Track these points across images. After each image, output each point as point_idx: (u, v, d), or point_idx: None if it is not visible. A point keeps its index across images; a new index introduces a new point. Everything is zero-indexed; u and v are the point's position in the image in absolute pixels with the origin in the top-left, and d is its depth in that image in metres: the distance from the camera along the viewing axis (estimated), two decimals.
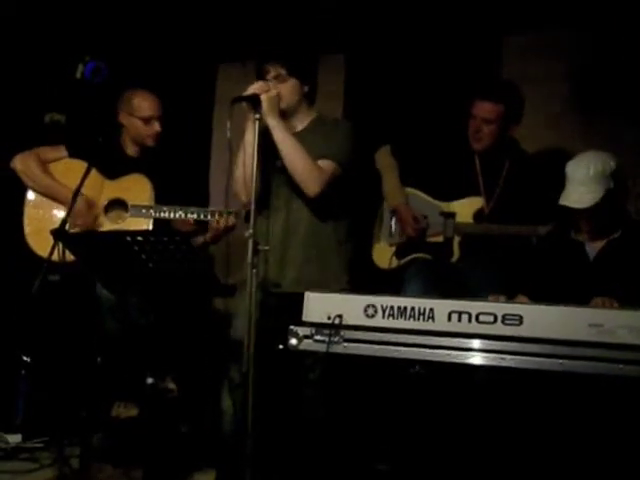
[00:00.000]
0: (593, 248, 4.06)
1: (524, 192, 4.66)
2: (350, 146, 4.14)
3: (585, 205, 3.91)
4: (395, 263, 4.96)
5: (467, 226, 4.76)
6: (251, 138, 3.87)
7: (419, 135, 5.25)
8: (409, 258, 4.92)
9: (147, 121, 4.87)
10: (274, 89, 3.93)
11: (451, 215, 4.80)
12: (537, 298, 3.89)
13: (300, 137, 4.06)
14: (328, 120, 4.27)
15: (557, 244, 4.19)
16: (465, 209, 4.78)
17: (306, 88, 4.17)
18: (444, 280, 4.68)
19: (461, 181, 4.82)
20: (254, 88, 3.86)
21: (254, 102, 3.82)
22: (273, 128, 3.91)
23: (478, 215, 4.75)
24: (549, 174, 4.55)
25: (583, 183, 3.92)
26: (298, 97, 4.13)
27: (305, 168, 3.96)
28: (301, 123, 4.19)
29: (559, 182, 4.14)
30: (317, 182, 3.98)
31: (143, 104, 4.89)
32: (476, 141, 4.80)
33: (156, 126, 4.88)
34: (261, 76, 4.06)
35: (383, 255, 5.03)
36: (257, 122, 3.81)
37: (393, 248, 5.00)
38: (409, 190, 4.98)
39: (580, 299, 3.53)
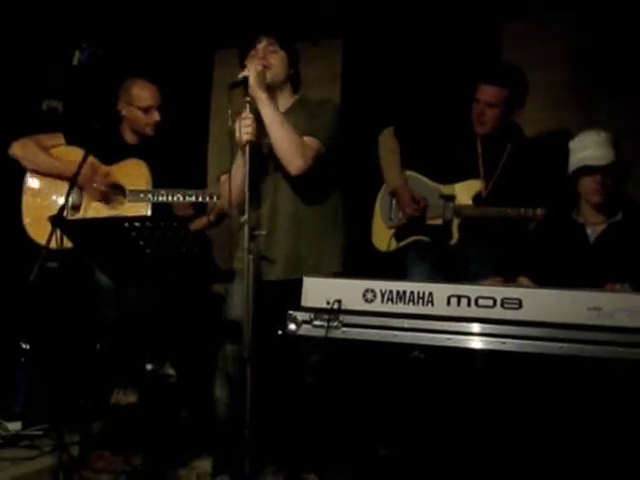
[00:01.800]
0: (594, 231, 4.08)
1: (523, 177, 4.67)
2: (335, 126, 4.08)
3: (605, 162, 3.96)
4: (394, 245, 4.98)
5: (466, 208, 4.76)
6: (242, 163, 3.88)
7: (420, 118, 5.24)
8: (408, 241, 4.93)
9: (146, 111, 4.86)
10: (262, 64, 3.92)
11: (450, 198, 4.81)
12: (537, 280, 3.90)
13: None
14: (312, 100, 4.20)
15: (558, 225, 4.20)
16: (464, 192, 4.79)
17: (292, 70, 4.14)
18: (444, 263, 4.70)
19: (462, 164, 4.83)
20: (244, 72, 3.85)
21: (245, 85, 3.82)
22: (260, 101, 3.85)
23: (477, 198, 4.76)
24: (550, 161, 4.55)
25: (595, 145, 3.99)
26: (285, 73, 4.09)
27: (290, 143, 3.89)
28: (284, 105, 4.12)
29: (559, 168, 4.15)
30: (301, 158, 3.91)
31: (142, 94, 4.88)
32: (479, 125, 4.81)
33: (155, 115, 4.87)
34: (251, 44, 4.04)
35: (382, 238, 5.04)
36: (248, 105, 3.83)
37: (392, 231, 5.01)
38: (409, 173, 5.00)
39: (580, 281, 3.54)
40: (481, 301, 3.23)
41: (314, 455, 3.83)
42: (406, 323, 3.30)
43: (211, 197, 4.44)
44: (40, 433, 4.70)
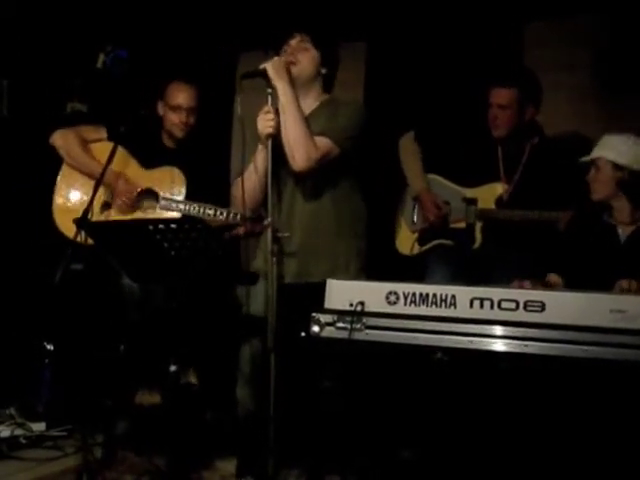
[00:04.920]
0: (624, 231, 4.07)
1: (544, 176, 4.70)
2: (356, 127, 4.02)
3: (590, 157, 4.08)
4: (417, 249, 4.99)
5: (489, 212, 4.77)
6: (261, 161, 3.89)
7: (442, 122, 5.25)
8: (431, 244, 4.94)
9: (174, 109, 4.86)
10: (289, 58, 3.93)
11: (473, 201, 4.82)
12: (569, 277, 3.90)
13: (308, 119, 3.94)
14: (339, 101, 4.14)
15: (589, 226, 4.20)
16: (487, 195, 4.80)
17: (324, 70, 4.09)
18: (466, 267, 4.71)
19: (483, 167, 4.85)
20: (262, 64, 3.80)
21: (265, 77, 3.78)
22: (280, 91, 3.80)
23: (500, 201, 4.76)
24: (570, 159, 4.56)
25: (598, 145, 4.03)
26: (315, 71, 4.05)
27: (297, 139, 3.81)
28: (311, 104, 4.09)
29: (580, 168, 4.17)
30: (305, 157, 3.82)
31: (175, 94, 4.88)
32: (495, 128, 4.84)
33: (183, 116, 4.85)
34: (284, 40, 4.03)
35: (406, 241, 5.04)
36: (270, 97, 3.81)
37: (416, 234, 5.01)
38: (431, 176, 5.01)
39: (610, 282, 3.54)
40: (504, 304, 3.23)
41: (337, 457, 3.82)
42: (429, 325, 3.30)
43: (242, 218, 4.43)
44: (64, 434, 4.73)
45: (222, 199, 4.53)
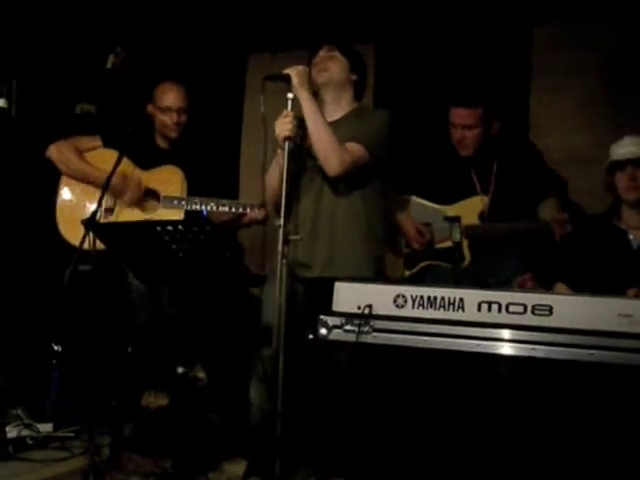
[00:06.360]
0: (636, 237, 4.05)
1: (517, 183, 4.66)
2: (384, 133, 4.11)
3: (632, 156, 4.04)
4: (407, 274, 4.87)
5: (475, 228, 4.72)
6: (283, 163, 3.91)
7: (415, 143, 5.17)
8: (419, 267, 4.83)
9: (165, 111, 4.89)
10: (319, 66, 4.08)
11: (456, 219, 4.74)
12: (577, 285, 3.89)
13: (337, 124, 4.07)
14: (368, 109, 4.31)
15: (598, 231, 4.18)
16: (468, 211, 4.74)
17: (354, 76, 4.23)
18: (459, 284, 4.61)
19: (459, 183, 4.79)
20: (286, 70, 3.89)
21: (287, 82, 3.87)
22: (303, 101, 3.92)
23: (482, 215, 4.72)
24: (536, 159, 4.55)
25: (628, 144, 4.10)
26: (345, 77, 4.19)
27: (328, 145, 3.93)
28: (342, 111, 4.21)
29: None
30: (339, 161, 3.93)
31: (165, 95, 4.93)
32: (463, 148, 4.78)
33: (174, 117, 4.89)
34: (313, 54, 4.16)
35: (394, 267, 4.91)
36: (290, 102, 3.87)
37: (401, 259, 4.94)
38: (407, 198, 4.93)
39: (621, 288, 3.54)
40: (512, 307, 3.23)
41: (343, 458, 3.82)
42: (437, 329, 3.31)
43: (244, 208, 4.46)
44: (71, 435, 4.71)
45: (222, 196, 4.55)
